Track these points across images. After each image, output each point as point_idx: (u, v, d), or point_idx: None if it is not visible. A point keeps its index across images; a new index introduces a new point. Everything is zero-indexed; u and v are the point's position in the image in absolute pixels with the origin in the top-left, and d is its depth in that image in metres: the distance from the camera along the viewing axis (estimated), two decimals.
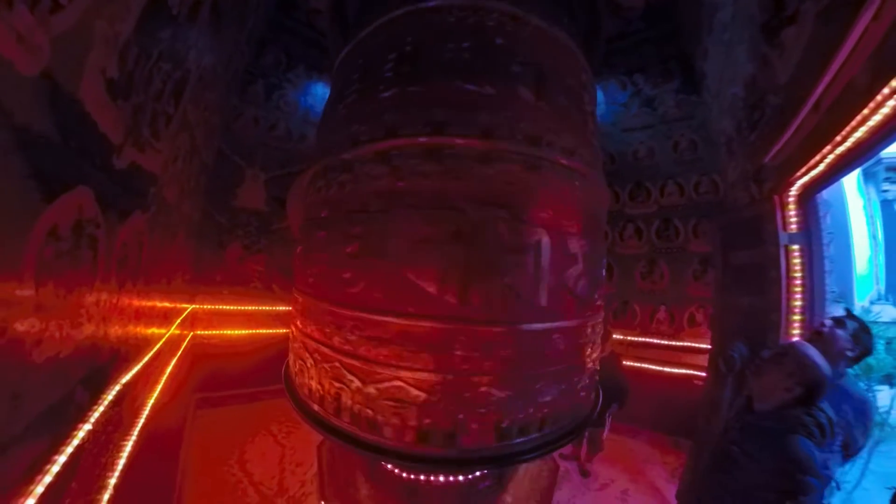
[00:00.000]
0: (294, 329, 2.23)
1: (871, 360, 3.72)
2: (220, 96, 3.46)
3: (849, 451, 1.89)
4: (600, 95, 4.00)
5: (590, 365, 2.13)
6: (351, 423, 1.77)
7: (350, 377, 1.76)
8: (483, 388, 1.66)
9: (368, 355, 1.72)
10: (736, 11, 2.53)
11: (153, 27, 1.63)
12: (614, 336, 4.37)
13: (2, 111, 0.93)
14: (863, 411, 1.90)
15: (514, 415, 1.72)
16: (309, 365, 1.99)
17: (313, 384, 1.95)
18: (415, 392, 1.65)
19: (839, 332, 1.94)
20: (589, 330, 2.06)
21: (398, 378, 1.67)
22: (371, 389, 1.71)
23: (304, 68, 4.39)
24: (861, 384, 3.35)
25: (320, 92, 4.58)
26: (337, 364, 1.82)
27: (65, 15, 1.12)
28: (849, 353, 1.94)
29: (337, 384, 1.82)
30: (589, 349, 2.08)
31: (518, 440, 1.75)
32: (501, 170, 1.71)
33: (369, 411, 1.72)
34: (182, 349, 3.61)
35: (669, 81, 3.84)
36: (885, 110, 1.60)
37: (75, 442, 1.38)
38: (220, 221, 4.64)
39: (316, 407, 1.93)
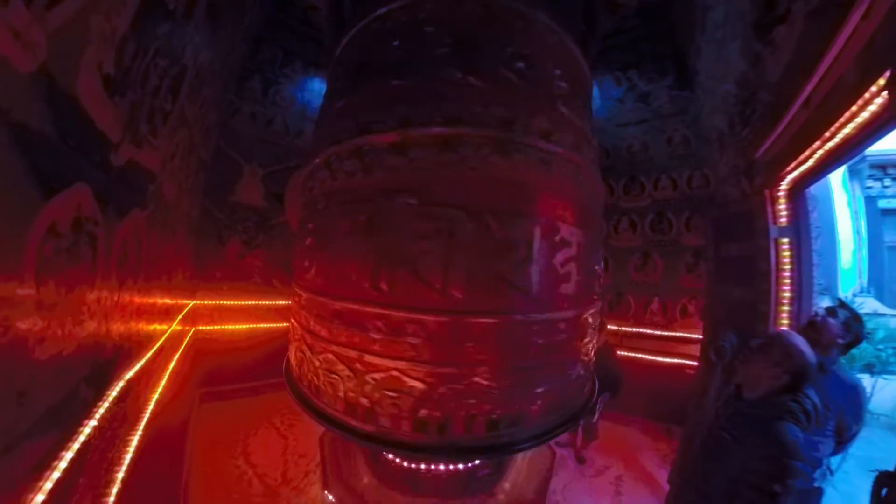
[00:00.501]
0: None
1: (853, 349, 3.87)
2: (217, 92, 3.43)
3: (842, 437, 1.96)
4: (595, 90, 4.01)
5: (553, 364, 1.93)
6: (308, 389, 2.00)
7: (305, 348, 2.02)
8: (394, 373, 1.69)
9: (315, 330, 1.93)
10: (728, 10, 2.57)
11: (150, 23, 1.61)
12: (609, 326, 4.46)
13: None
14: (853, 397, 1.98)
15: (434, 406, 1.68)
16: (291, 339, 2.31)
17: (291, 355, 2.27)
18: (340, 366, 1.80)
19: (831, 321, 2.01)
20: (537, 327, 1.81)
21: (330, 352, 1.84)
22: (316, 360, 1.92)
23: (300, 64, 4.40)
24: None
25: (317, 87, 4.57)
26: (300, 337, 2.09)
27: (61, 10, 1.10)
28: (840, 341, 2.00)
29: (300, 354, 2.08)
30: (544, 348, 1.85)
31: (434, 434, 1.71)
32: (412, 156, 1.75)
33: (315, 378, 1.94)
34: (184, 345, 3.60)
35: (663, 78, 3.88)
36: (873, 107, 1.65)
37: (82, 438, 1.39)
38: (218, 217, 4.63)
39: (294, 374, 2.20)
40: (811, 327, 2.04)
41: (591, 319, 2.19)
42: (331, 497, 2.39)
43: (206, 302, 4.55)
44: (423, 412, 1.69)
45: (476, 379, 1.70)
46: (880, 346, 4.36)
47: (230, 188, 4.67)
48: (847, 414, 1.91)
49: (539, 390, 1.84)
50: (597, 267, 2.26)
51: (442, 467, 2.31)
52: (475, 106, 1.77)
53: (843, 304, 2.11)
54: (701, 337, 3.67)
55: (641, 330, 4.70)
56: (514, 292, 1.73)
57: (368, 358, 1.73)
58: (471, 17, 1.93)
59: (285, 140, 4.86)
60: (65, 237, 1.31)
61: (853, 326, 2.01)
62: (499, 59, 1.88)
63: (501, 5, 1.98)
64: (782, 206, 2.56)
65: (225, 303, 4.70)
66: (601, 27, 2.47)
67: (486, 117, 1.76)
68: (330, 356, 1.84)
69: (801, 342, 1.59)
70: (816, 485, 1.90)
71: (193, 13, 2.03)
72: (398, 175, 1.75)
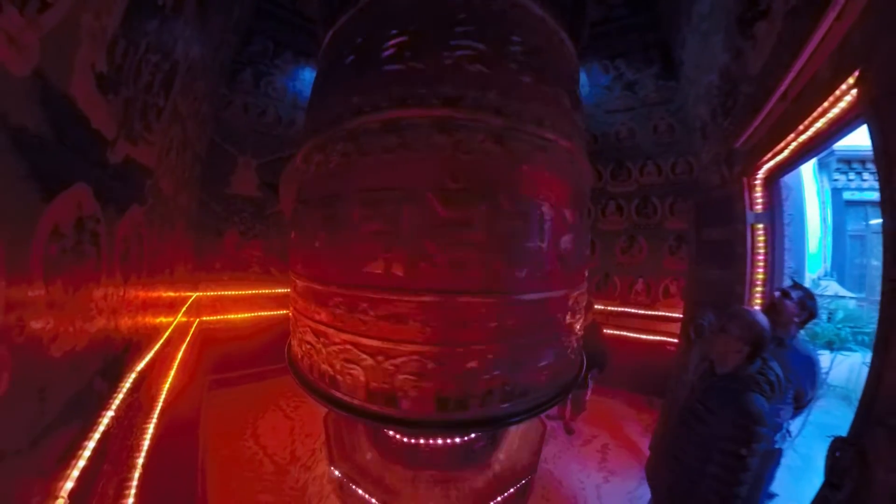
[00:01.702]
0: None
1: (816, 328, 4.14)
2: (209, 86, 3.37)
3: (800, 403, 2.17)
4: (583, 77, 4.04)
5: (553, 339, 2.03)
6: (321, 379, 2.06)
7: (313, 338, 2.09)
8: (415, 357, 1.76)
9: (325, 320, 1.99)
10: (713, 3, 2.61)
11: (140, 19, 1.59)
12: (596, 306, 4.64)
13: None
14: (810, 367, 2.18)
15: (453, 385, 1.77)
16: (293, 329, 2.40)
17: (295, 345, 2.35)
18: (359, 354, 1.86)
19: (787, 302, 2.19)
20: (542, 304, 1.92)
21: (346, 341, 1.89)
22: (328, 350, 2.01)
23: (291, 54, 4.32)
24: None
25: (308, 77, 4.49)
26: (306, 327, 2.15)
27: (52, 13, 1.10)
28: (797, 319, 2.19)
29: (307, 345, 2.15)
30: (546, 324, 1.96)
31: (452, 411, 1.81)
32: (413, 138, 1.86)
33: (329, 369, 1.99)
34: (190, 335, 3.68)
35: (650, 67, 3.93)
36: (843, 104, 1.74)
37: (101, 428, 1.46)
38: (215, 210, 4.65)
39: (302, 364, 2.26)
40: (772, 308, 2.23)
41: (581, 297, 2.32)
42: (337, 472, 2.54)
43: (208, 293, 4.62)
44: (444, 392, 1.76)
45: (489, 356, 1.79)
46: (839, 325, 4.68)
47: (225, 180, 4.67)
48: (804, 382, 2.12)
49: (543, 363, 1.97)
50: (585, 247, 2.39)
51: (440, 441, 2.45)
52: (491, 92, 1.77)
53: (797, 285, 2.27)
54: (682, 316, 3.87)
55: (626, 309, 4.92)
56: (524, 271, 1.81)
57: (388, 344, 1.76)
58: (480, 5, 1.89)
59: (278, 130, 4.83)
60: (68, 237, 1.33)
61: (807, 304, 2.19)
62: (505, 49, 1.87)
63: None
64: (759, 193, 2.69)
65: (226, 293, 4.78)
66: (589, 15, 2.47)
67: (498, 105, 1.77)
68: (348, 346, 1.86)
69: (755, 314, 1.74)
70: (777, 446, 2.12)
71: (183, 7, 1.99)
72: (418, 157, 1.73)
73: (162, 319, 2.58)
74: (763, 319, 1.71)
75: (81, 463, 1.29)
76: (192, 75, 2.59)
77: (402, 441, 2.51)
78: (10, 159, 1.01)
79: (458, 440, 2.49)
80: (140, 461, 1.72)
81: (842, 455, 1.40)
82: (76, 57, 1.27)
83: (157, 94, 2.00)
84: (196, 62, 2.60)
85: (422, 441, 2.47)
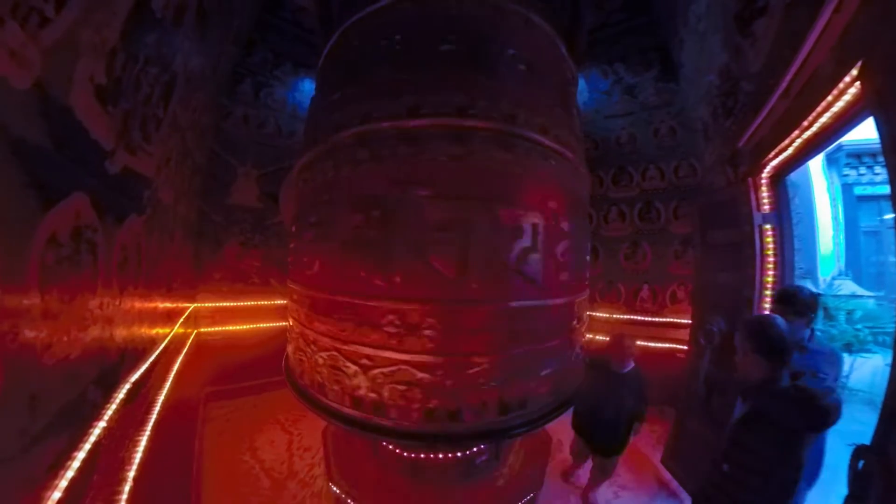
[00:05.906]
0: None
1: (833, 329, 3.98)
2: (208, 97, 3.45)
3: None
4: (582, 83, 4.05)
5: (555, 348, 1.98)
6: (312, 386, 2.02)
7: (305, 345, 2.07)
8: (402, 367, 1.72)
9: (316, 327, 1.97)
10: (710, 2, 2.61)
11: (139, 32, 1.63)
12: (599, 314, 4.51)
13: None
14: (834, 362, 2.13)
15: (444, 396, 1.72)
16: (289, 337, 2.37)
17: (290, 353, 2.32)
18: (345, 362, 1.83)
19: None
20: (542, 312, 1.89)
21: (333, 348, 1.87)
22: (318, 357, 1.96)
23: (291, 65, 4.43)
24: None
25: (308, 88, 4.58)
26: (300, 335, 2.12)
27: (53, 27, 1.13)
28: (807, 328, 2.09)
29: (300, 352, 2.12)
30: (547, 333, 1.92)
31: (443, 422, 1.75)
32: (423, 147, 1.85)
33: (318, 376, 1.96)
34: (187, 347, 3.68)
35: (649, 70, 3.93)
36: (847, 97, 1.70)
37: (92, 439, 1.44)
38: (215, 220, 4.69)
39: (295, 372, 2.22)
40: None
41: (582, 304, 2.27)
42: (335, 489, 2.47)
43: (206, 304, 4.61)
44: (433, 402, 1.71)
45: (486, 366, 1.73)
46: (858, 326, 4.49)
47: (226, 191, 4.72)
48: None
49: (544, 373, 1.91)
50: (585, 254, 2.34)
51: (441, 455, 2.38)
52: (482, 100, 1.78)
53: (780, 300, 2.21)
54: (690, 322, 3.76)
55: (633, 317, 4.79)
56: (521, 280, 1.78)
57: (376, 352, 1.73)
58: (473, 15, 1.92)
59: (278, 141, 4.89)
60: (66, 246, 1.34)
61: (804, 308, 2.12)
62: (502, 57, 1.89)
63: (498, 4, 1.97)
64: (765, 193, 2.63)
65: (225, 304, 4.76)
66: (587, 22, 2.49)
67: (491, 111, 1.78)
68: (334, 353, 1.84)
69: (757, 319, 1.65)
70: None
71: (182, 21, 2.05)
72: (410, 165, 1.73)
73: (159, 330, 2.58)
74: (767, 320, 1.62)
75: (70, 474, 1.27)
76: (191, 87, 2.65)
77: (403, 456, 2.44)
78: (9, 169, 1.02)
79: (459, 454, 2.41)
80: (131, 475, 1.68)
81: (865, 464, 1.31)
82: (76, 69, 1.30)
83: (156, 105, 2.04)
84: (195, 74, 2.66)
85: (422, 455, 2.39)
